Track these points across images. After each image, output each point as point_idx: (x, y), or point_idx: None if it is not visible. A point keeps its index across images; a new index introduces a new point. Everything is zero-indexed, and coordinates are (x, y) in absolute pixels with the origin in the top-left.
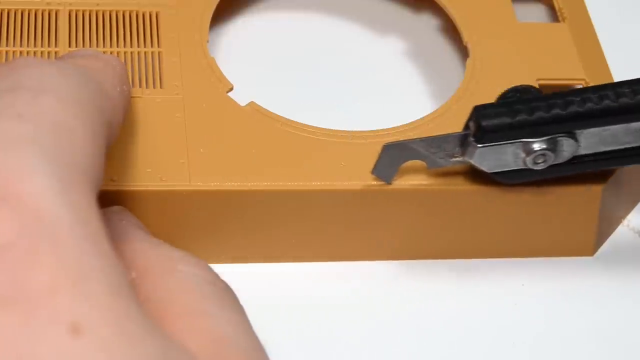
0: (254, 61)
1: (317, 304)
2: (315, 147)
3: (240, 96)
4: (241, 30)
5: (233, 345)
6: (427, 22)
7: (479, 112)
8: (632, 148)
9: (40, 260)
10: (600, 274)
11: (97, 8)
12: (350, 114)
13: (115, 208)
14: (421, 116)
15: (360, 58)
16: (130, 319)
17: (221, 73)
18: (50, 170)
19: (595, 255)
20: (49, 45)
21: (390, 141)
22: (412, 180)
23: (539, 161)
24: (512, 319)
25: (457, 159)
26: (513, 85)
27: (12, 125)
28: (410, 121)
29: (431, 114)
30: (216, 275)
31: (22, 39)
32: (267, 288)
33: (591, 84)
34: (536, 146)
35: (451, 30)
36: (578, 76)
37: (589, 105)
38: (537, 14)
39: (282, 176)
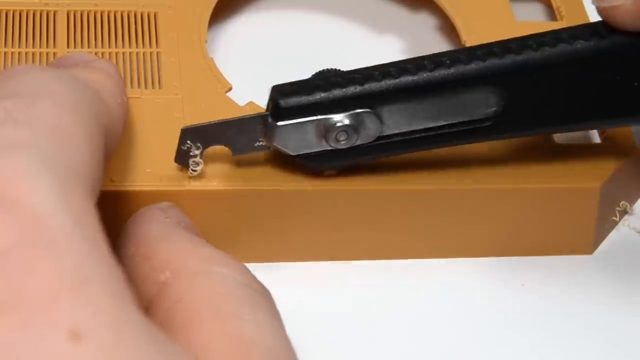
0: (253, 61)
1: (318, 304)
2: None
3: (239, 96)
4: (240, 30)
5: (261, 349)
6: (425, 21)
7: (276, 90)
8: (445, 125)
9: (40, 266)
10: (599, 272)
11: (96, 8)
12: None
13: (163, 204)
14: None
15: (359, 57)
16: (131, 324)
17: (220, 73)
18: (47, 174)
19: (594, 253)
20: (47, 46)
21: (188, 125)
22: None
23: (342, 138)
24: (512, 318)
25: (261, 143)
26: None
27: (9, 130)
28: None
29: None
30: (253, 278)
31: (21, 40)
32: (268, 288)
33: None
34: (337, 121)
35: (449, 29)
36: None
37: (388, 80)
38: (535, 12)
39: (282, 176)
